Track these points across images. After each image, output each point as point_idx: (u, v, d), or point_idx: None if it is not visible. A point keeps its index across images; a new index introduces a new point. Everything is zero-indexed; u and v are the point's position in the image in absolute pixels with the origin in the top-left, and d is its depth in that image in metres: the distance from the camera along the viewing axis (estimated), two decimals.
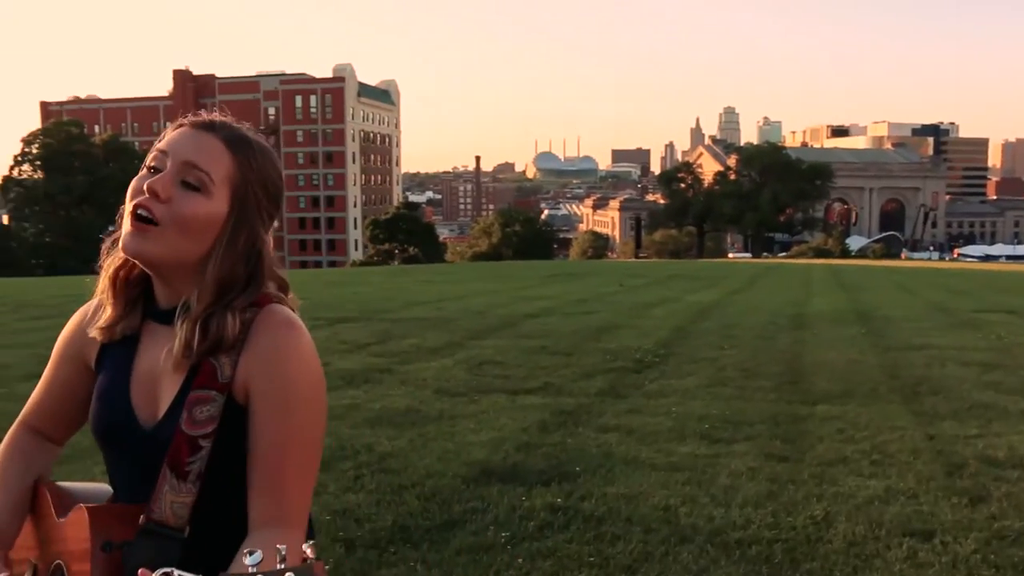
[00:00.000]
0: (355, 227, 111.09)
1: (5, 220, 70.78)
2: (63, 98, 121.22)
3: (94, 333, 1.51)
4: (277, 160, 1.53)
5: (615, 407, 6.67)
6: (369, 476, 4.76)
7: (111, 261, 1.51)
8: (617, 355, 9.22)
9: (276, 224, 1.56)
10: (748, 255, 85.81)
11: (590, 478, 4.76)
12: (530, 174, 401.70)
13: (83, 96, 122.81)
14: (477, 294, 18.56)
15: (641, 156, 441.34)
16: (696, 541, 3.87)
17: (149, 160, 1.44)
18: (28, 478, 1.55)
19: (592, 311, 14.48)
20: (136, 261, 1.44)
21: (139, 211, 1.40)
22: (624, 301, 16.85)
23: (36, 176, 70.89)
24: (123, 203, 1.43)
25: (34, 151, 70.95)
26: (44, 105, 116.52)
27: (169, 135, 1.47)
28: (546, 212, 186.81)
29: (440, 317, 13.26)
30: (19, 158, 71.50)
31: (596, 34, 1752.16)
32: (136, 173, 1.42)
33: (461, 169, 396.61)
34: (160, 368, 1.44)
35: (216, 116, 1.50)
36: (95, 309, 1.55)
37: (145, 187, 1.39)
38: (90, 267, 1.55)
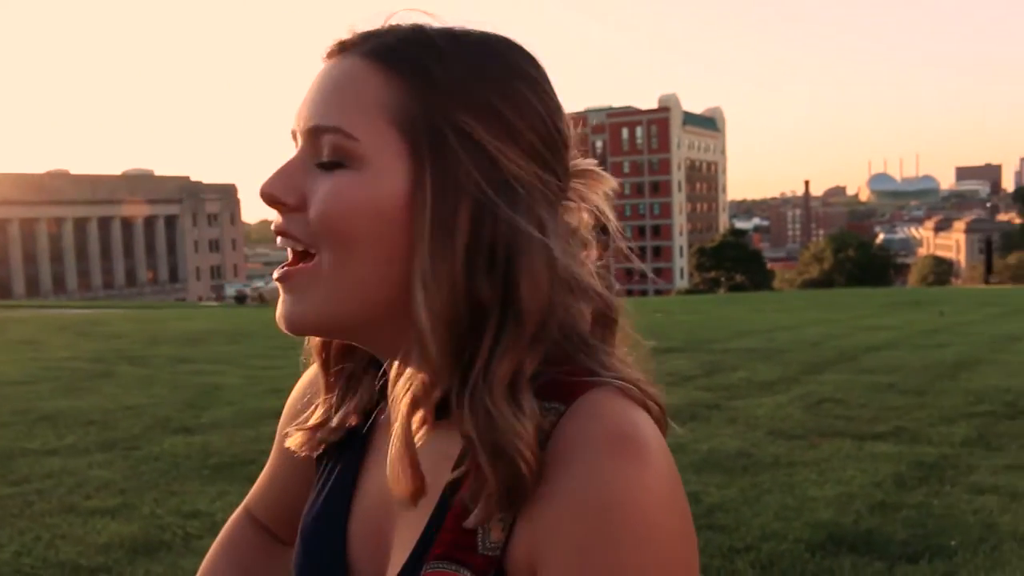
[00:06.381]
0: (680, 255, 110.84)
1: None
2: None
3: (293, 443, 0.92)
4: (519, 59, 0.80)
5: (989, 462, 5.59)
6: (697, 532, 4.17)
7: None
8: (982, 397, 7.92)
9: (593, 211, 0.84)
10: None
11: (970, 557, 3.86)
12: (863, 197, 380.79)
13: None
14: (811, 323, 17.29)
15: (990, 172, 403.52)
16: None
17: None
18: None
19: (945, 344, 12.89)
20: (301, 336, 0.84)
21: (282, 244, 0.79)
22: (983, 332, 14.95)
23: None
24: None
25: None
26: None
27: None
28: (881, 236, 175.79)
29: (771, 348, 12.37)
30: None
31: (933, 40, 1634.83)
32: None
33: (789, 194, 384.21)
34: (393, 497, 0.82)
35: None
36: (311, 389, 0.98)
37: (260, 192, 0.78)
38: None
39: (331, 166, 0.76)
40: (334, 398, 0.90)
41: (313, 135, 0.76)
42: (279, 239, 0.79)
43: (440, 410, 0.76)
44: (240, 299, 66.29)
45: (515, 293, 0.73)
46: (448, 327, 0.72)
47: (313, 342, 0.90)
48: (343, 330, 0.80)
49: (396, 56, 0.76)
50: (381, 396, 0.88)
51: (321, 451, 0.93)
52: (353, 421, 0.89)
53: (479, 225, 0.73)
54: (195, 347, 13.44)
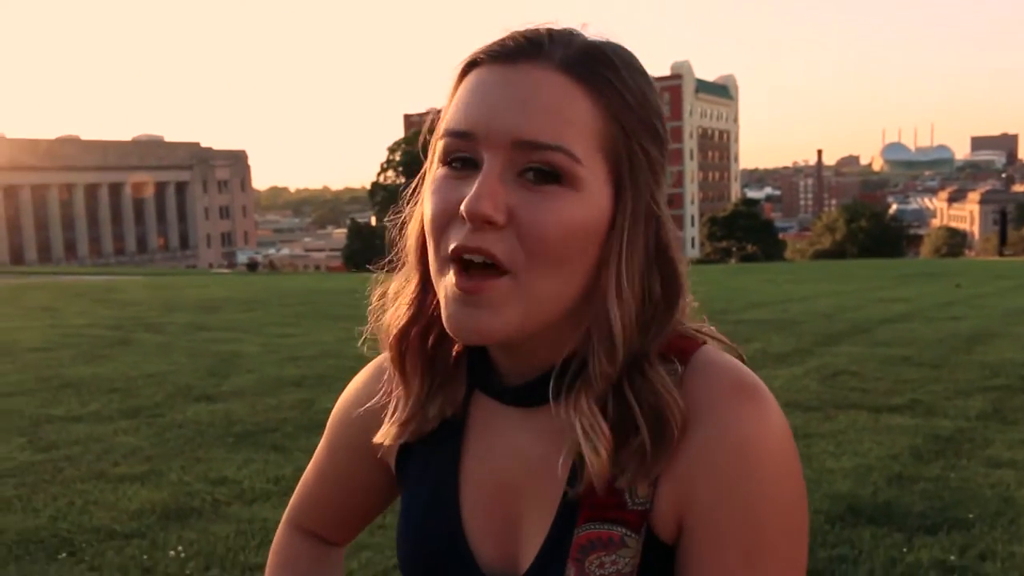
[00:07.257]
0: (692, 224, 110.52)
1: (372, 221, 79.23)
2: (422, 110, 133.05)
3: (383, 438, 0.92)
4: (643, 66, 0.83)
5: (1005, 436, 5.63)
6: None
7: (393, 323, 0.90)
8: (997, 370, 7.95)
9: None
10: None
11: (988, 530, 3.91)
12: (876, 167, 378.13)
13: (439, 107, 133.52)
14: (824, 295, 17.31)
15: (1006, 142, 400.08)
16: None
17: (442, 148, 0.82)
18: None
19: (959, 316, 12.89)
20: (476, 344, 0.84)
21: (466, 258, 0.77)
22: (997, 305, 14.93)
23: (399, 180, 78.79)
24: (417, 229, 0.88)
25: (396, 158, 79.23)
26: (407, 117, 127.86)
27: (464, 92, 0.81)
28: (895, 207, 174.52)
29: (785, 319, 12.40)
30: (384, 165, 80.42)
31: (950, 6, 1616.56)
32: None
33: (801, 163, 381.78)
34: (513, 478, 0.86)
35: (538, 26, 0.81)
36: (379, 383, 0.97)
37: (464, 212, 0.75)
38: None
39: (540, 180, 0.76)
40: (421, 392, 0.91)
41: (527, 149, 0.76)
42: (472, 256, 0.77)
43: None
44: (252, 266, 66.67)
45: (673, 286, 0.81)
46: (634, 327, 0.79)
47: (395, 347, 0.89)
48: (524, 337, 0.81)
49: (594, 75, 0.78)
50: (470, 388, 0.92)
51: (400, 448, 0.96)
52: (448, 412, 0.91)
53: (654, 235, 0.81)
54: (211, 315, 13.53)
